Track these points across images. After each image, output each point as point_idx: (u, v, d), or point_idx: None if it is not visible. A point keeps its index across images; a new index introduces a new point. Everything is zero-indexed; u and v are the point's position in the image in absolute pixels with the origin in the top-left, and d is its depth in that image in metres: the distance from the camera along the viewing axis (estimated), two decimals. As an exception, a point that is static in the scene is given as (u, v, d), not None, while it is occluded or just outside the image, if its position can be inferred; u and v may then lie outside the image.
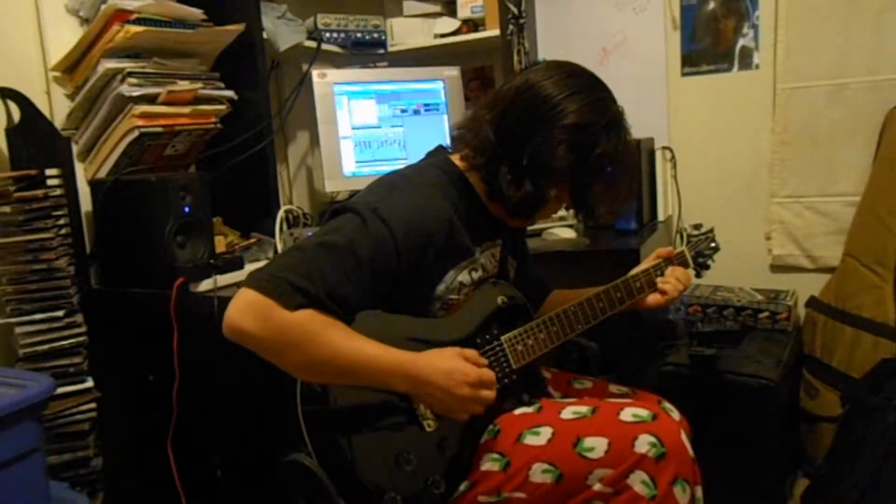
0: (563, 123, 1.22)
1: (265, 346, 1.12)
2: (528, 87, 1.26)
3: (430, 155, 1.41)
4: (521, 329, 1.32)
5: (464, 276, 1.30)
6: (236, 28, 1.98)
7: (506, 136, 1.25)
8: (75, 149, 1.88)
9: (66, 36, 1.84)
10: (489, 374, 1.20)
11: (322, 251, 1.15)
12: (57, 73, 1.85)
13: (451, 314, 1.30)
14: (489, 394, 1.19)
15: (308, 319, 1.11)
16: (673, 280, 1.39)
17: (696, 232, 1.50)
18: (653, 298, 1.40)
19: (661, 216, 2.38)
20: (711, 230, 1.51)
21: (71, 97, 1.87)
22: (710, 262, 1.50)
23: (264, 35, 2.10)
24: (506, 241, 1.42)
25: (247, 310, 1.10)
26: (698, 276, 1.49)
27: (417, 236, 1.20)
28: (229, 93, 2.02)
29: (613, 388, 1.48)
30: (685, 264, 1.45)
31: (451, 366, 1.17)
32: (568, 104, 1.23)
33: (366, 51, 2.55)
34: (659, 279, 1.40)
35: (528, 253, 1.59)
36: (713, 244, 1.50)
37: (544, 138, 1.22)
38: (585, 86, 1.26)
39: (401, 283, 1.21)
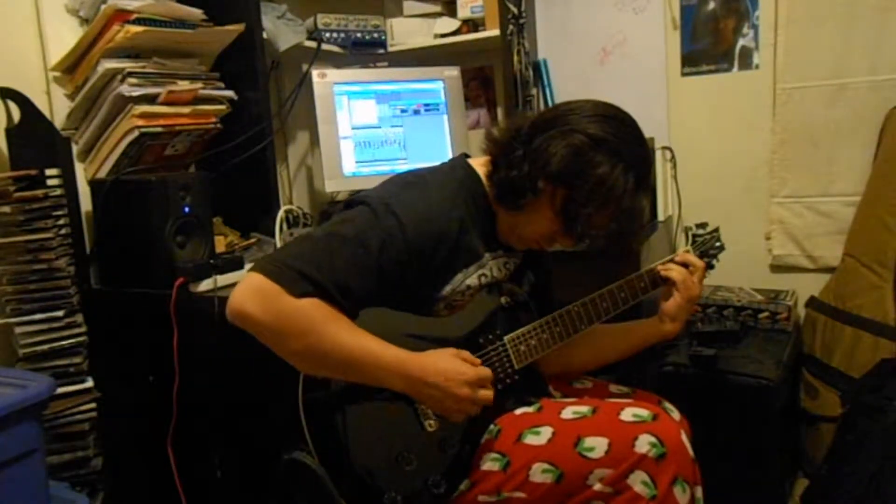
0: (581, 130, 1.22)
1: (266, 332, 1.13)
2: (574, 102, 1.29)
3: (450, 160, 1.41)
4: (524, 329, 1.32)
5: (472, 280, 1.30)
6: (236, 28, 1.98)
7: (532, 129, 1.27)
8: (75, 149, 1.88)
9: (66, 36, 1.84)
10: (486, 371, 1.20)
11: (332, 241, 1.17)
12: (57, 73, 1.85)
13: (454, 315, 1.30)
14: (487, 394, 1.19)
15: (312, 308, 1.12)
16: (676, 267, 1.38)
17: (701, 231, 1.50)
18: (671, 302, 1.37)
19: (661, 216, 2.38)
20: (717, 229, 1.51)
21: (71, 97, 1.86)
22: (714, 261, 1.50)
23: (264, 35, 2.10)
24: (526, 256, 1.42)
25: (252, 293, 1.11)
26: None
27: (428, 235, 1.21)
28: (229, 93, 2.02)
29: (614, 388, 1.48)
30: None
31: (449, 365, 1.17)
32: (595, 122, 1.23)
33: (366, 51, 2.55)
34: (660, 266, 1.39)
35: (549, 275, 1.55)
36: (718, 243, 1.50)
37: (557, 136, 1.23)
38: (622, 119, 1.27)
39: (408, 280, 1.22)
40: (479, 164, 1.35)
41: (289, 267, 1.12)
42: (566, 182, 1.22)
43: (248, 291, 1.12)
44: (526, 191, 1.25)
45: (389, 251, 1.18)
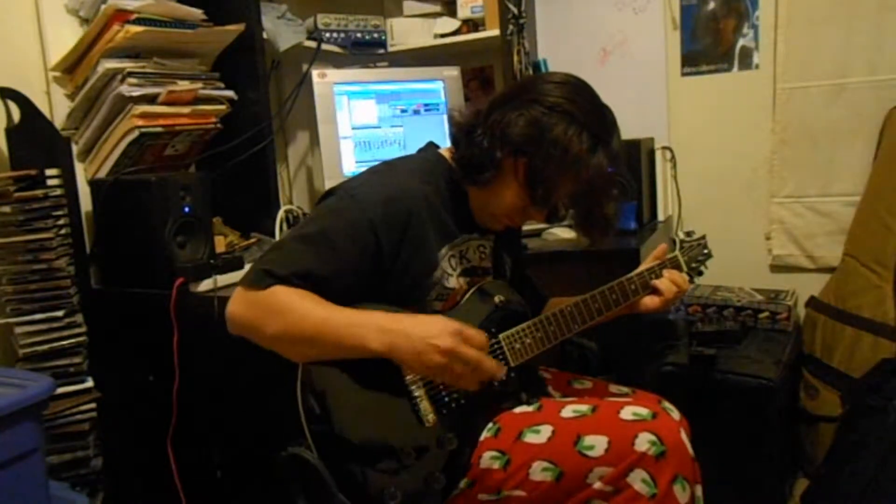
0: (535, 99, 1.24)
1: (246, 324, 1.18)
2: (530, 76, 1.31)
3: (419, 149, 1.45)
4: (519, 328, 1.32)
5: (445, 264, 1.30)
6: (236, 28, 1.98)
7: (490, 108, 1.29)
8: (75, 149, 1.88)
9: (66, 36, 1.84)
10: (475, 334, 1.14)
11: (298, 242, 1.21)
12: (57, 73, 1.85)
13: (449, 311, 1.31)
14: (471, 353, 1.12)
15: (280, 291, 1.16)
16: (667, 281, 1.39)
17: (688, 239, 1.51)
18: (649, 301, 1.39)
19: (661, 216, 2.38)
20: (703, 237, 1.52)
21: (71, 97, 1.87)
22: (703, 268, 1.51)
23: (264, 35, 2.10)
24: (498, 237, 1.43)
25: (235, 301, 1.20)
26: (691, 281, 1.49)
27: (394, 216, 1.22)
28: (229, 93, 2.02)
29: (613, 388, 1.48)
30: (678, 268, 1.45)
31: (432, 319, 1.16)
32: (549, 90, 1.25)
33: (366, 51, 2.55)
34: (654, 282, 1.39)
35: (522, 253, 1.59)
36: (706, 250, 1.51)
37: (512, 108, 1.25)
38: (575, 84, 1.28)
39: (385, 266, 1.23)
40: (448, 149, 1.38)
41: (258, 270, 1.19)
42: (524, 150, 1.24)
43: (233, 300, 1.20)
44: (487, 164, 1.26)
45: (357, 238, 1.20)
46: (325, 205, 1.26)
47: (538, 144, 1.22)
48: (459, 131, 1.32)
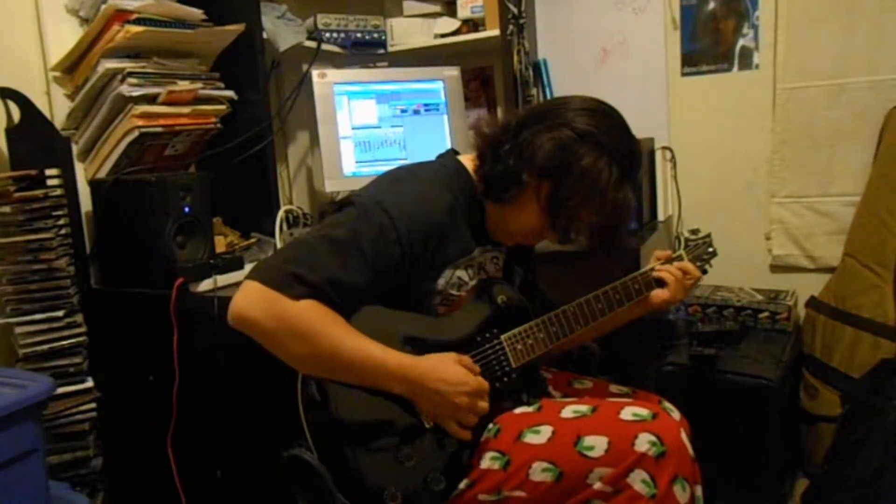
0: (566, 124, 1.24)
1: (269, 336, 1.14)
2: (562, 98, 1.31)
3: (439, 156, 1.43)
4: (521, 328, 1.32)
5: (461, 273, 1.30)
6: (236, 28, 1.98)
7: (519, 125, 1.28)
8: (75, 149, 1.88)
9: (66, 36, 1.84)
10: (484, 383, 1.20)
11: (325, 244, 1.18)
12: (57, 73, 1.85)
13: (452, 313, 1.31)
14: (484, 405, 1.20)
15: (312, 310, 1.13)
16: (675, 270, 1.38)
17: (693, 237, 1.51)
18: (658, 293, 1.38)
19: (661, 216, 2.38)
20: (709, 235, 1.51)
21: (71, 97, 1.86)
22: (707, 266, 1.51)
23: (264, 35, 2.10)
24: (510, 250, 1.43)
25: (253, 299, 1.14)
26: None
27: (420, 228, 1.22)
28: (229, 93, 2.02)
29: (613, 388, 1.48)
30: None
31: (450, 373, 1.17)
32: (580, 116, 1.25)
33: (366, 51, 2.55)
34: (657, 269, 1.39)
35: (534, 266, 1.58)
36: (710, 248, 1.51)
37: (543, 130, 1.24)
38: (608, 113, 1.28)
39: (403, 275, 1.22)
40: (468, 159, 1.36)
41: (283, 271, 1.14)
42: (551, 175, 1.23)
43: (249, 297, 1.14)
44: (511, 184, 1.26)
45: (383, 249, 1.19)
46: (351, 211, 1.23)
47: (566, 172, 1.22)
48: (485, 144, 1.30)
